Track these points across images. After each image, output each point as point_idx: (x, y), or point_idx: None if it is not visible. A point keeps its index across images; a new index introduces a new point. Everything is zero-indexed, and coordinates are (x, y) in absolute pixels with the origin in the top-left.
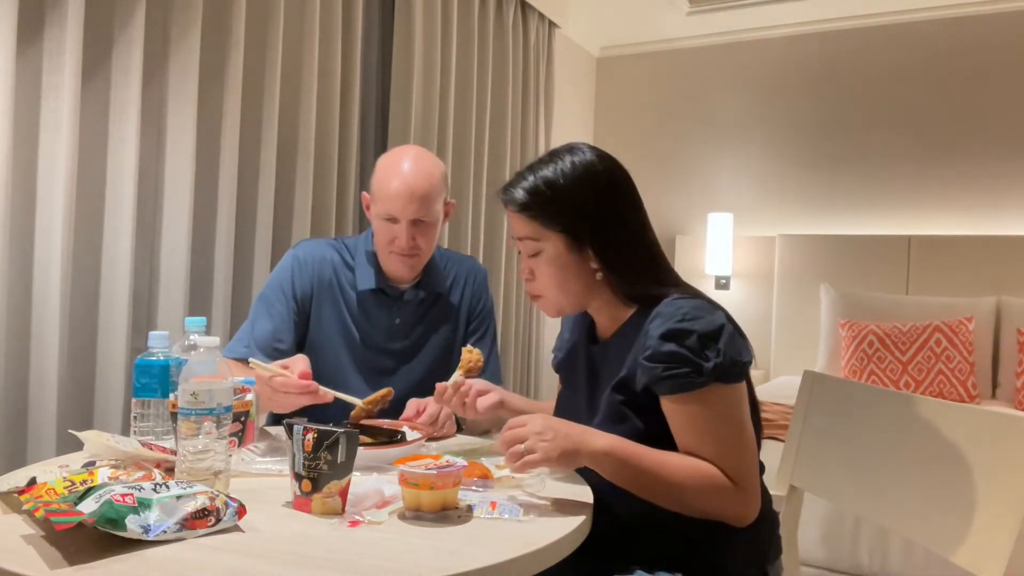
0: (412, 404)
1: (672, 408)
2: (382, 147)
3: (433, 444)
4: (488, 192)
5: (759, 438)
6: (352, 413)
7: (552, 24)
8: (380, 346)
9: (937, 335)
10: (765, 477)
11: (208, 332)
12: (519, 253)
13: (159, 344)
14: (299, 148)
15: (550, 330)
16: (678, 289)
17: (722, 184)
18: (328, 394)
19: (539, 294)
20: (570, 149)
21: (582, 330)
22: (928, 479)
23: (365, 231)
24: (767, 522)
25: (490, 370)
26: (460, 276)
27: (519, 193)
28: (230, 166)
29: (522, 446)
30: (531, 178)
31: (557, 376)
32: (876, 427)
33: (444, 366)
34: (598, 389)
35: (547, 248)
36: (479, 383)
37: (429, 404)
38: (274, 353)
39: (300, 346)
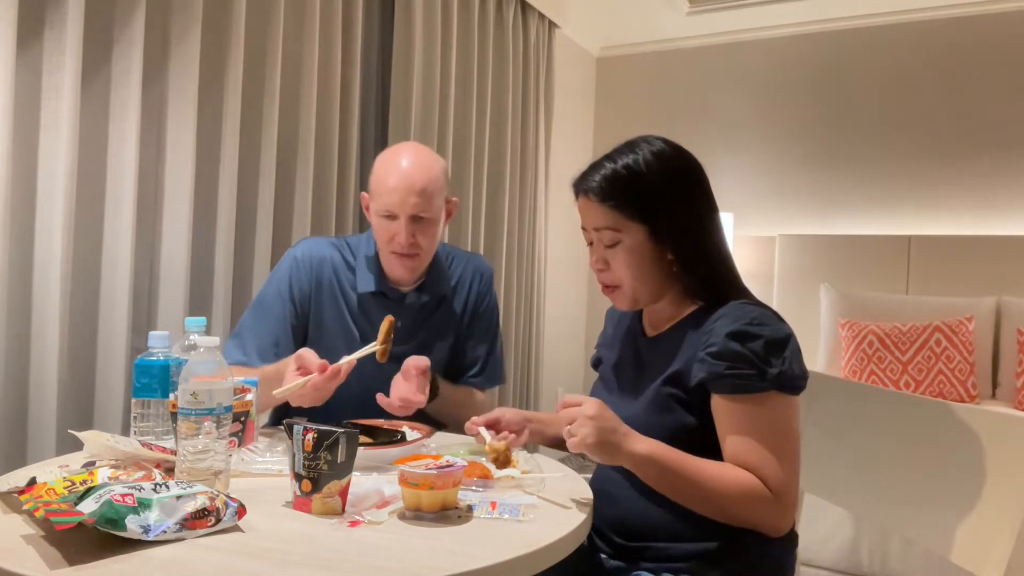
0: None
1: (725, 407)
2: (382, 147)
3: (433, 444)
4: (488, 191)
5: None
6: (378, 359)
7: (552, 24)
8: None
9: (937, 335)
10: None
11: (208, 332)
12: (589, 244)
13: (159, 344)
14: (299, 148)
15: (550, 331)
16: (745, 295)
17: (722, 184)
18: (351, 362)
19: (615, 285)
20: (647, 140)
21: (630, 323)
22: (928, 479)
23: (367, 231)
24: (787, 540)
25: (491, 366)
26: (466, 276)
27: (599, 181)
28: (230, 166)
29: (569, 427)
30: (611, 167)
31: (558, 376)
32: (876, 427)
33: (448, 370)
34: (644, 380)
35: (626, 239)
36: (509, 420)
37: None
38: (272, 359)
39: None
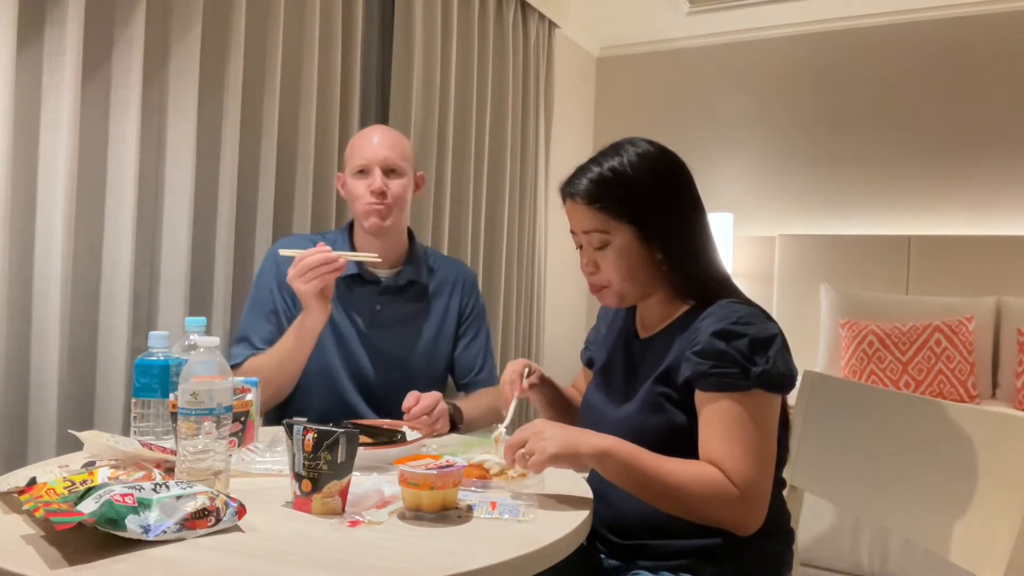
0: (411, 396)
1: (707, 402)
2: None
3: (433, 444)
4: (488, 191)
5: (784, 457)
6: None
7: (552, 24)
8: (364, 334)
9: (937, 335)
10: None
11: (208, 332)
12: (579, 248)
13: (159, 344)
14: (299, 148)
15: (550, 331)
16: (735, 294)
17: (722, 184)
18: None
19: (603, 285)
20: (631, 142)
21: (623, 324)
22: (928, 479)
23: (343, 226)
24: (783, 537)
25: (487, 369)
26: (448, 277)
27: (587, 185)
28: (230, 166)
29: (523, 450)
30: (597, 170)
31: (558, 375)
32: (876, 427)
33: (432, 357)
34: (636, 381)
35: (615, 240)
36: (538, 375)
37: (424, 396)
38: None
39: None
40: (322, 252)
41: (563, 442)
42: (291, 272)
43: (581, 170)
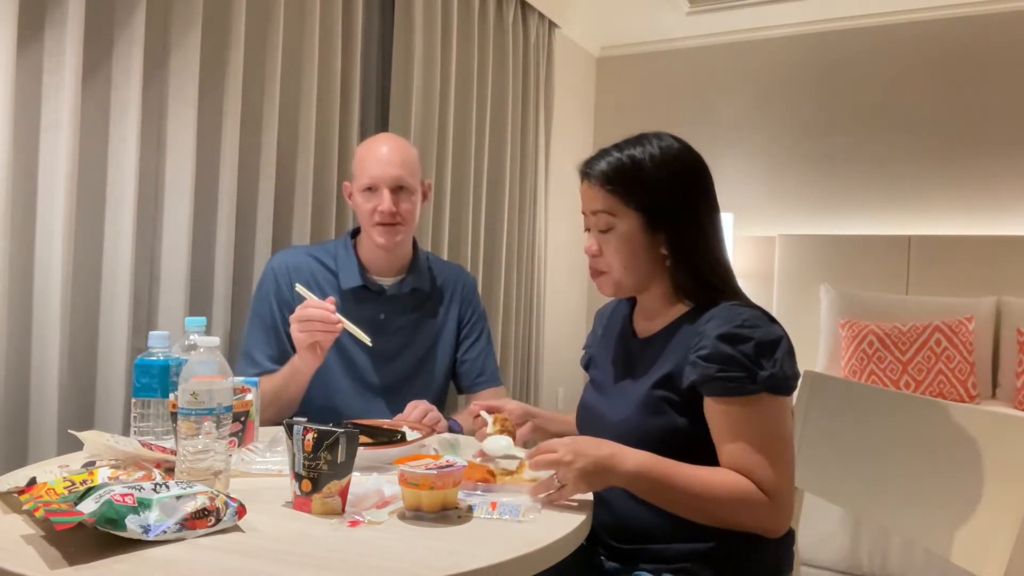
0: (410, 406)
1: (717, 410)
2: None
3: (434, 444)
4: (488, 192)
5: None
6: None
7: (552, 24)
8: (366, 344)
9: (937, 335)
10: None
11: (208, 332)
12: (586, 230)
13: (159, 344)
14: (299, 148)
15: (550, 332)
16: (738, 297)
17: (722, 184)
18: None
19: (602, 270)
20: (657, 135)
21: (620, 324)
22: (928, 479)
23: (343, 236)
24: (783, 537)
25: (489, 372)
26: (448, 283)
27: (603, 166)
28: (230, 166)
29: (558, 478)
30: (617, 155)
31: (558, 376)
32: (876, 427)
33: (433, 362)
34: (635, 383)
35: (621, 224)
36: (511, 410)
37: (416, 406)
38: (281, 363)
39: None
40: (325, 309)
41: (592, 479)
42: (294, 314)
43: (602, 153)
